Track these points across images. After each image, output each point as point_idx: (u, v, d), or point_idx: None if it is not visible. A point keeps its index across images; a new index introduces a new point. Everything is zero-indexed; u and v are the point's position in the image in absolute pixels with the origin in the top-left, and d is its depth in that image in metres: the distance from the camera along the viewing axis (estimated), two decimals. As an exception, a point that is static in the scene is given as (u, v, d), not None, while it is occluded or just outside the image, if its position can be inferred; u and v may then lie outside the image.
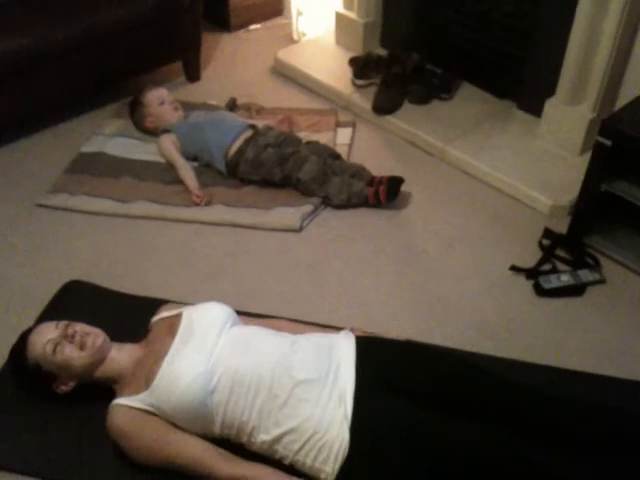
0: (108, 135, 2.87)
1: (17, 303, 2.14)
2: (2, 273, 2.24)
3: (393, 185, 2.46)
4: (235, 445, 1.61)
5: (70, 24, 2.73)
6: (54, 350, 1.65)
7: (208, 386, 1.55)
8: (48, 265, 2.29)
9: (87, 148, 2.80)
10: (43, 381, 1.69)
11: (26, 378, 1.71)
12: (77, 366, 1.66)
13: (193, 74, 3.27)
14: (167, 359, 1.60)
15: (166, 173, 2.67)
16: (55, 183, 2.61)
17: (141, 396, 1.59)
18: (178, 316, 1.74)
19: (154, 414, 1.58)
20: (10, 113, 2.74)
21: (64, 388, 1.70)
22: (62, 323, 1.70)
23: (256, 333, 1.70)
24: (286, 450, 1.54)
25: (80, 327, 1.71)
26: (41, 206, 2.52)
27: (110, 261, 2.30)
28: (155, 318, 1.80)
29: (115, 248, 2.36)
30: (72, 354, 1.65)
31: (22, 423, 1.76)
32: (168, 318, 1.77)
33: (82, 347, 1.66)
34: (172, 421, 1.58)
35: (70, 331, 1.68)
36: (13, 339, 1.76)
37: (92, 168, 2.68)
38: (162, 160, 2.74)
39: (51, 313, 2.01)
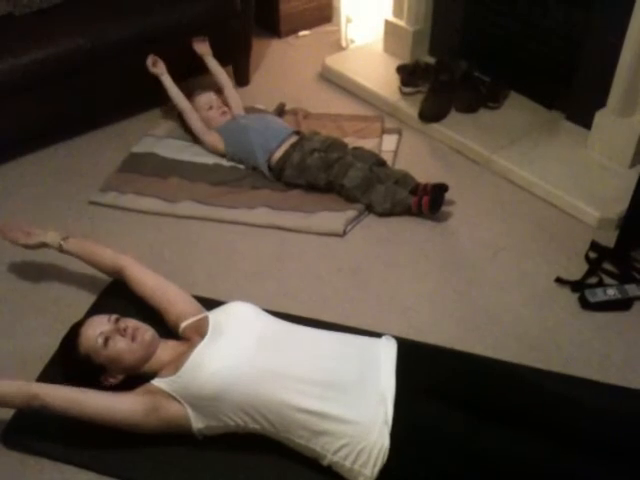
0: (158, 136, 2.94)
1: (67, 297, 2.20)
2: (54, 267, 2.30)
3: (437, 196, 2.44)
4: (274, 441, 1.62)
5: (124, 26, 2.80)
6: (105, 343, 1.69)
7: (239, 379, 1.56)
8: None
9: (138, 148, 2.87)
10: (92, 373, 1.72)
11: (75, 369, 1.75)
12: (128, 360, 1.69)
13: (242, 78, 3.31)
14: (197, 350, 1.63)
15: (213, 174, 2.72)
16: (106, 181, 2.68)
17: (166, 379, 1.62)
18: (204, 319, 1.77)
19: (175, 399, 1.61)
20: (65, 112, 2.83)
21: (112, 381, 1.73)
22: (114, 316, 1.74)
23: (298, 333, 1.72)
24: (324, 450, 1.54)
25: (131, 322, 1.75)
26: (93, 203, 2.59)
27: (156, 258, 2.34)
28: (182, 325, 1.82)
29: (161, 246, 2.41)
30: (124, 348, 1.69)
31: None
32: (195, 322, 1.80)
33: (133, 341, 1.70)
34: (198, 408, 1.59)
35: (122, 325, 1.72)
36: (63, 332, 1.81)
37: (142, 168, 2.75)
38: (210, 161, 2.79)
39: (99, 308, 2.06)
